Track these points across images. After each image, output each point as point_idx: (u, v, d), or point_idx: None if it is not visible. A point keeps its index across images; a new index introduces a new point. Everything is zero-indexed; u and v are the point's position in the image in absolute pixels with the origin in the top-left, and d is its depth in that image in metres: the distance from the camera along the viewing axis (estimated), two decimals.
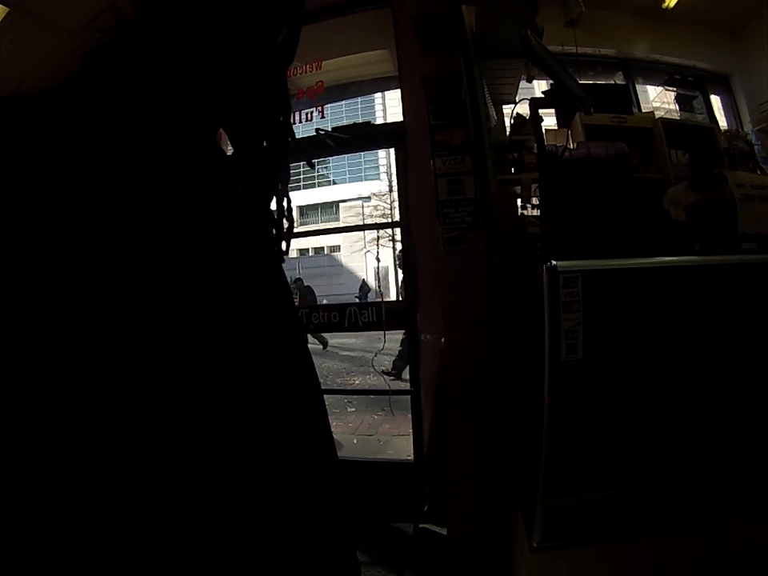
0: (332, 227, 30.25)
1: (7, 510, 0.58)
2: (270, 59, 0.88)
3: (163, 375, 0.65)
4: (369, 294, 20.91)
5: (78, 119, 0.70)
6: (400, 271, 10.56)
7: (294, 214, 1.04)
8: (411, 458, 4.47)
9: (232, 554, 0.68)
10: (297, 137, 1.06)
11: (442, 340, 3.39)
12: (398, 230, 4.72)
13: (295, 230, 1.03)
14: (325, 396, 0.92)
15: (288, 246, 1.02)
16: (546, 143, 3.14)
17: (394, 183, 5.18)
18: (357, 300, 14.72)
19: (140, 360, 0.64)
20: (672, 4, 6.51)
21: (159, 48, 0.77)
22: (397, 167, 4.44)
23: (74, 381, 0.60)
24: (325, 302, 13.17)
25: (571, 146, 3.44)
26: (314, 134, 4.24)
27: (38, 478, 0.58)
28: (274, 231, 0.99)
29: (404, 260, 4.39)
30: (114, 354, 0.62)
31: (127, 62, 0.77)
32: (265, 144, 0.97)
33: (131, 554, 0.62)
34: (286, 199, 1.01)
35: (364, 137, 4.41)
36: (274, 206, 1.00)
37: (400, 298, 10.88)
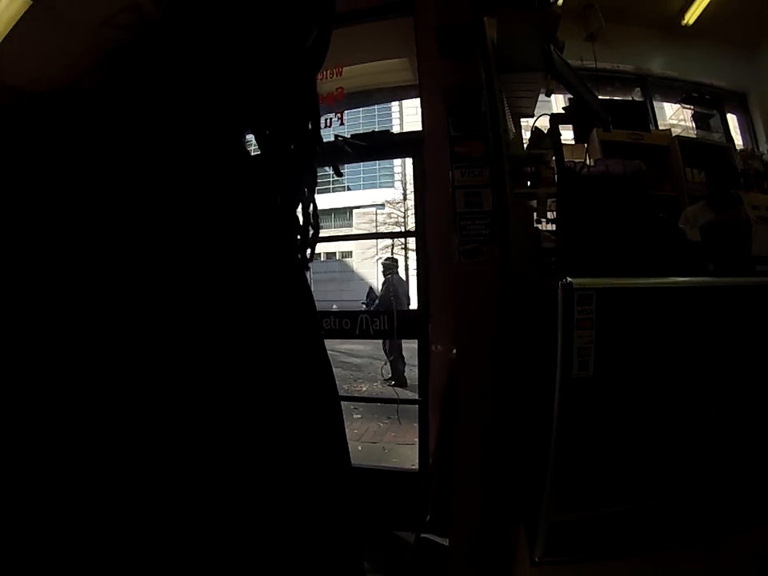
0: (346, 234, 30.21)
1: (7, 511, 0.58)
2: (300, 63, 0.88)
3: (170, 378, 0.65)
4: (376, 302, 20.73)
5: (104, 119, 0.70)
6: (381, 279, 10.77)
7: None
8: (416, 467, 4.47)
9: (236, 561, 0.68)
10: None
11: (453, 351, 3.39)
12: (411, 239, 4.73)
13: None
14: None
15: (313, 252, 1.02)
16: (564, 159, 3.15)
17: (408, 191, 5.21)
18: (364, 306, 14.71)
19: (148, 363, 0.63)
20: (692, 21, 6.50)
21: (185, 49, 0.77)
22: (414, 177, 4.45)
23: (75, 380, 0.59)
24: (335, 307, 13.16)
25: (589, 163, 3.44)
26: (333, 139, 4.26)
27: (38, 477, 0.58)
28: (298, 237, 0.99)
29: (417, 270, 4.41)
30: (122, 357, 0.62)
31: (152, 62, 0.78)
32: (292, 149, 0.96)
33: (131, 555, 0.61)
34: (312, 205, 1.00)
35: (382, 145, 4.42)
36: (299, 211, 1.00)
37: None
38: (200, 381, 0.67)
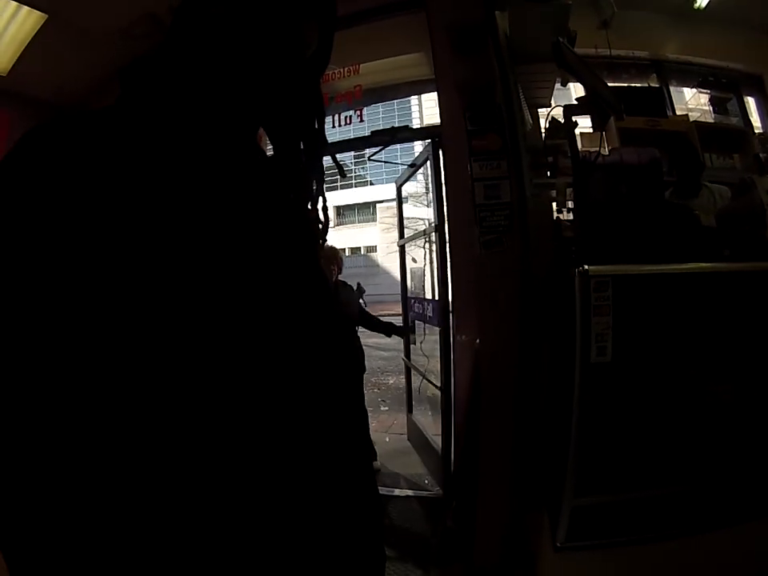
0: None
1: (7, 510, 0.61)
2: (303, 70, 0.92)
3: (178, 377, 0.67)
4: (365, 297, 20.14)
5: (127, 134, 0.74)
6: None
7: (331, 213, 1.08)
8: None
9: (245, 550, 0.70)
10: (336, 140, 1.10)
11: (477, 341, 3.44)
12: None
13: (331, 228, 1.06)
14: None
15: (323, 243, 1.08)
16: (580, 148, 3.17)
17: (430, 184, 5.19)
18: None
19: (161, 358, 0.66)
20: (703, 5, 6.45)
21: (195, 57, 0.82)
22: (435, 170, 4.49)
23: (77, 380, 0.61)
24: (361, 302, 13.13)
25: (603, 152, 3.45)
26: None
27: (39, 477, 0.60)
28: (311, 227, 1.04)
29: (438, 262, 4.45)
30: (142, 353, 0.64)
31: (164, 75, 0.83)
32: (301, 146, 1.02)
33: (132, 554, 0.63)
34: (321, 198, 1.05)
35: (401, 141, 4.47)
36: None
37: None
38: (214, 379, 0.70)
